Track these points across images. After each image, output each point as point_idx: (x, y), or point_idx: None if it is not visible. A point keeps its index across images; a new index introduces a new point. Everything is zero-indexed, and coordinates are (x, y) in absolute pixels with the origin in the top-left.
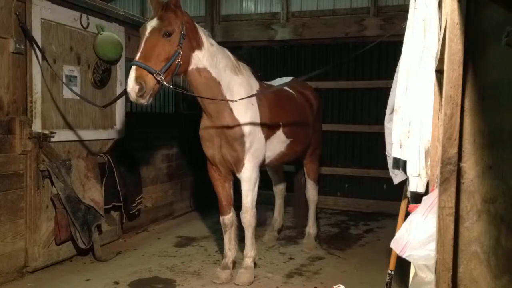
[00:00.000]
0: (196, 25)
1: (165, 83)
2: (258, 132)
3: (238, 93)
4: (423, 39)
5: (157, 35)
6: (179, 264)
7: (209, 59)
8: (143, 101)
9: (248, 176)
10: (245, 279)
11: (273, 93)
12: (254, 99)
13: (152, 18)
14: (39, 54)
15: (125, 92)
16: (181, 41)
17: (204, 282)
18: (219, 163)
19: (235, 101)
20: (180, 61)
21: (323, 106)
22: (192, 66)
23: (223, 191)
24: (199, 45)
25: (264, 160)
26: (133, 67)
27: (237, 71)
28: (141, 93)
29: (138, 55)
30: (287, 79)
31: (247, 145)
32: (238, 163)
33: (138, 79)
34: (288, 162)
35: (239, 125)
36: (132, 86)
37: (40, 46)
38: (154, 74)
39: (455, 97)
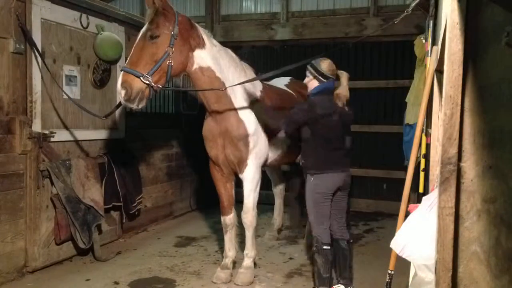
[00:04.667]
0: (196, 25)
1: (154, 84)
2: (262, 132)
3: (242, 94)
4: None
5: (143, 39)
6: (179, 264)
7: (213, 58)
8: (133, 105)
9: (251, 177)
10: (245, 279)
11: (273, 93)
12: (257, 99)
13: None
14: (39, 57)
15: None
16: (171, 42)
17: (204, 282)
18: (222, 164)
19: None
20: (171, 62)
21: None
22: (195, 66)
23: (225, 191)
24: (199, 44)
25: (266, 160)
26: (121, 72)
27: (240, 72)
28: (126, 97)
29: (128, 60)
30: (286, 79)
31: (251, 145)
32: (242, 163)
33: (123, 84)
34: (289, 162)
35: (244, 125)
36: (118, 91)
37: (40, 46)
38: (141, 78)
39: (455, 97)
